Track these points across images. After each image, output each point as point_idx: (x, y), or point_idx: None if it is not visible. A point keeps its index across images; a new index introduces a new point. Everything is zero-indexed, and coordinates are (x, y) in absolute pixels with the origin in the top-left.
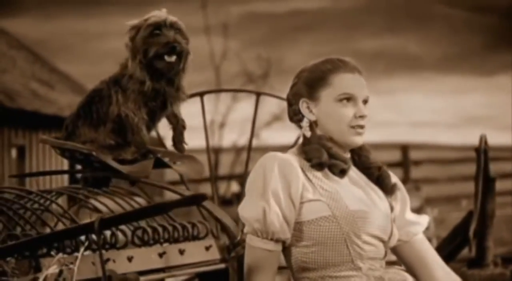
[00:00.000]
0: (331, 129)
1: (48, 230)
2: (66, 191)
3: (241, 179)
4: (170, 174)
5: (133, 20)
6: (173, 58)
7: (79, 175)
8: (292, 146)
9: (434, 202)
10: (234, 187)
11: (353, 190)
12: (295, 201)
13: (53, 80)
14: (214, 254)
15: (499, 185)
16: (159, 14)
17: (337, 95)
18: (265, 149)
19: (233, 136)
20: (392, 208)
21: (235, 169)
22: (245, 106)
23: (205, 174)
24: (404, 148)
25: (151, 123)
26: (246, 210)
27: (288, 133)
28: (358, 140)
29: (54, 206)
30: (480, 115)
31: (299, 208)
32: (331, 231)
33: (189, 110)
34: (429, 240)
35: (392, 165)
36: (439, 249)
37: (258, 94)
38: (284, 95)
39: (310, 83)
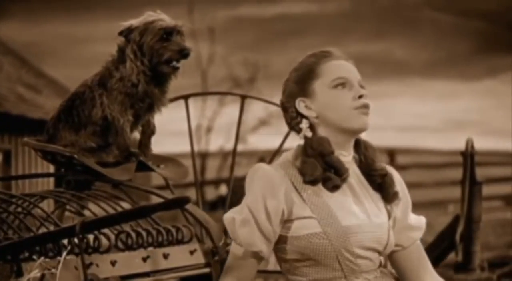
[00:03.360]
0: (334, 118)
1: (30, 234)
2: (49, 195)
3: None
4: (156, 179)
5: (129, 21)
6: (180, 64)
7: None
8: (277, 151)
9: (420, 206)
10: (223, 190)
11: (347, 203)
12: (271, 214)
13: (40, 84)
14: (199, 258)
15: (486, 190)
16: (164, 17)
17: (330, 82)
18: (252, 154)
19: (219, 140)
20: (390, 216)
21: (222, 173)
22: (231, 111)
23: (190, 178)
24: (391, 153)
25: (135, 125)
26: (225, 215)
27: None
28: (365, 120)
29: (38, 210)
30: (466, 120)
31: (290, 224)
32: (322, 248)
33: (175, 115)
34: None
35: None
36: (426, 253)
37: (243, 97)
38: (272, 99)
39: (301, 80)
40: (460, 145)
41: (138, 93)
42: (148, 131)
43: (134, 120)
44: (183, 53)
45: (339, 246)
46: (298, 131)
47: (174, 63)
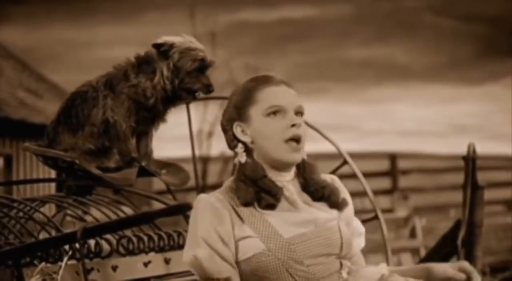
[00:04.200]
0: (266, 147)
1: (32, 239)
2: (51, 200)
3: None
4: (158, 184)
5: (166, 37)
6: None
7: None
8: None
9: (422, 211)
10: None
11: (287, 216)
12: (225, 239)
13: (41, 89)
14: None
15: (488, 194)
16: (203, 48)
17: (264, 110)
18: None
19: (221, 145)
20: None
21: (223, 178)
22: None
23: (191, 183)
24: (392, 157)
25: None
26: (184, 257)
27: None
28: (295, 157)
29: (39, 214)
30: (468, 124)
31: (236, 247)
32: (271, 265)
33: (176, 120)
34: (417, 249)
35: (380, 174)
36: (427, 259)
37: None
38: None
39: (239, 105)
40: (462, 149)
41: (146, 104)
42: (146, 156)
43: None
44: (209, 89)
45: (286, 259)
46: (235, 154)
47: (197, 94)
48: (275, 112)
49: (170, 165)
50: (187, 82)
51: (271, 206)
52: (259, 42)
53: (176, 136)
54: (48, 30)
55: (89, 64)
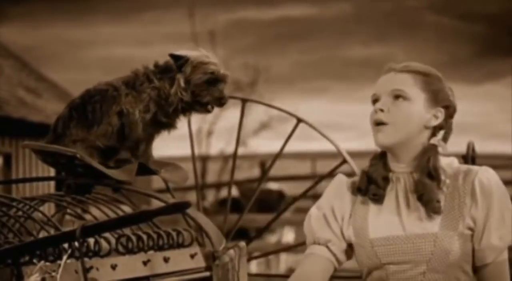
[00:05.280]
0: None
1: (31, 238)
2: (50, 199)
3: (240, 185)
4: (157, 182)
5: (182, 51)
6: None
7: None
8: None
9: None
10: (234, 192)
11: (385, 215)
12: (336, 213)
13: (40, 88)
14: (199, 262)
15: None
16: (216, 62)
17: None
18: (252, 157)
19: (220, 144)
20: (459, 225)
21: (223, 177)
22: (232, 114)
23: (190, 181)
24: None
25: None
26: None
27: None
28: (377, 137)
29: (38, 213)
30: (468, 123)
31: (348, 228)
32: (361, 257)
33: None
34: None
35: None
36: None
37: (244, 101)
38: (273, 103)
39: None
40: (461, 148)
41: (166, 109)
42: (143, 160)
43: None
44: (221, 102)
45: (371, 258)
46: None
47: (209, 107)
48: (373, 101)
49: (168, 165)
50: (197, 95)
51: (376, 198)
52: (258, 41)
53: (176, 135)
54: (47, 29)
55: (88, 63)
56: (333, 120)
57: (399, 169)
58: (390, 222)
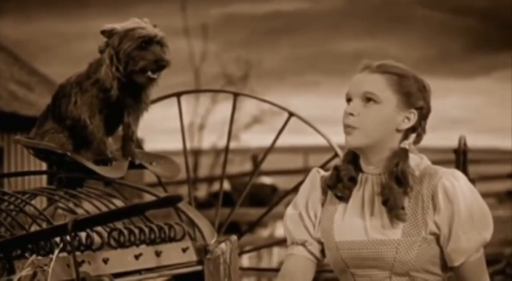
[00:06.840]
0: None
1: (23, 232)
2: (42, 192)
3: (232, 179)
4: (149, 176)
5: (112, 24)
6: (156, 75)
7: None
8: (269, 148)
9: None
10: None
11: (350, 217)
12: (310, 206)
13: (32, 81)
14: (191, 256)
15: (479, 187)
16: (147, 26)
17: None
18: (244, 151)
19: (212, 138)
20: (422, 231)
21: (215, 171)
22: (224, 108)
23: (182, 175)
24: None
25: (109, 128)
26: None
27: (268, 135)
28: (346, 139)
29: (30, 207)
30: (459, 117)
31: (319, 223)
32: (329, 259)
33: (167, 112)
34: None
35: None
36: None
37: (236, 95)
38: (265, 97)
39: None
40: (453, 142)
41: (110, 99)
42: (127, 138)
43: (106, 123)
44: (159, 64)
45: (337, 260)
46: None
47: (149, 73)
48: (347, 99)
49: (160, 158)
50: (132, 63)
51: (341, 198)
52: (250, 35)
53: (167, 128)
54: (40, 23)
55: (81, 57)
56: (324, 114)
57: (368, 170)
58: (354, 225)
